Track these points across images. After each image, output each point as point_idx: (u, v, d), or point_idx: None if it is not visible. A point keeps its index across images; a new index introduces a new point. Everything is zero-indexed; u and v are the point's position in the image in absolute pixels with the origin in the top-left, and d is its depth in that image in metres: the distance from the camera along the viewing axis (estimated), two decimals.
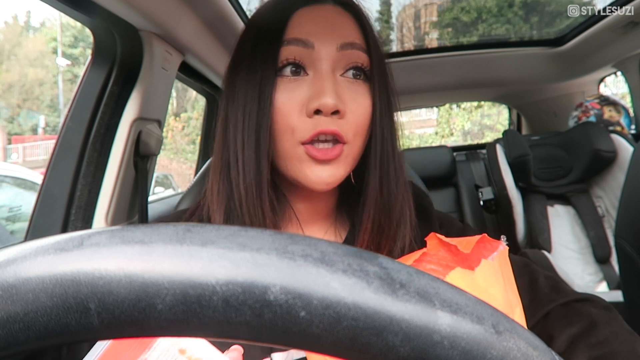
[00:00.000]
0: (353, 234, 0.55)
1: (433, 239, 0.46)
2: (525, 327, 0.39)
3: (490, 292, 0.38)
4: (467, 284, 0.38)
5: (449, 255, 0.45)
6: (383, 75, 0.51)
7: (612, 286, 1.72)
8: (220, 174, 0.50)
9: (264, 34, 0.49)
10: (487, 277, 0.39)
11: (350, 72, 0.49)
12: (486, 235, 0.45)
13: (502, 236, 0.45)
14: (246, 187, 0.48)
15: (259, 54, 0.48)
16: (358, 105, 0.49)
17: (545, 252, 1.71)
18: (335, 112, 0.47)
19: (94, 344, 0.34)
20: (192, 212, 0.55)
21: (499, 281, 0.40)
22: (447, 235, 0.54)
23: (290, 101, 0.47)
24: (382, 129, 0.50)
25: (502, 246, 0.44)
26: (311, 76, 0.48)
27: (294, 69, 0.48)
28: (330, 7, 0.51)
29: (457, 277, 0.38)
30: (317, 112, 0.47)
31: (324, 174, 0.48)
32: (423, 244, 0.53)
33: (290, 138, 0.48)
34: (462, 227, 0.61)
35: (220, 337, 0.16)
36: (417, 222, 0.55)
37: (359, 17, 0.51)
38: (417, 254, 0.45)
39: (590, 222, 1.85)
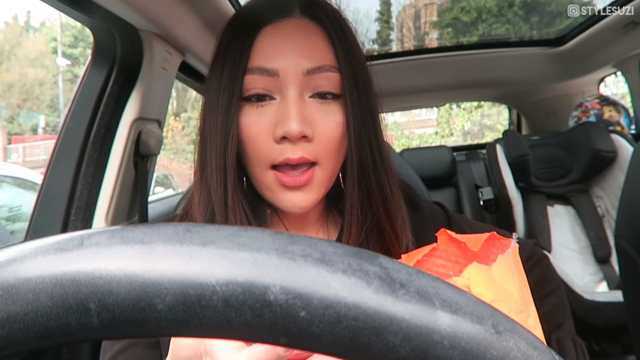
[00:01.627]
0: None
1: (443, 235, 0.46)
2: (540, 324, 0.39)
3: (507, 287, 0.38)
4: (484, 279, 0.38)
5: (459, 251, 0.45)
6: (359, 86, 0.50)
7: (612, 286, 1.72)
8: (201, 184, 0.51)
9: (230, 58, 0.48)
10: (503, 273, 0.39)
11: (318, 94, 0.48)
12: (495, 233, 0.45)
13: (513, 233, 0.46)
14: (219, 203, 0.48)
15: (226, 79, 0.48)
16: (328, 124, 0.48)
17: (545, 252, 1.71)
18: (303, 137, 0.46)
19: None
20: (180, 218, 0.55)
21: (515, 277, 0.40)
22: (438, 223, 0.55)
23: (257, 126, 0.47)
24: (359, 141, 0.49)
25: (514, 243, 0.44)
26: (278, 101, 0.48)
27: (259, 97, 0.48)
28: (297, 22, 0.49)
29: (474, 272, 0.38)
30: (284, 137, 0.46)
31: (296, 200, 0.48)
32: (418, 236, 0.54)
33: (260, 163, 0.48)
34: (448, 217, 0.61)
35: (220, 337, 0.16)
36: (409, 213, 0.55)
37: (328, 29, 0.49)
38: (426, 249, 0.45)
39: (590, 222, 1.85)
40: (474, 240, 0.43)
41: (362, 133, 0.49)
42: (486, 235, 0.44)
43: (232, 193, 0.48)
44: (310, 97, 0.48)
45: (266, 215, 0.54)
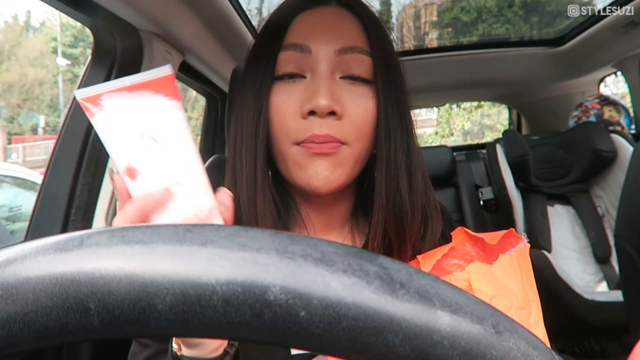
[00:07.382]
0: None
1: (460, 234, 0.47)
2: (543, 321, 0.39)
3: (508, 285, 0.39)
4: (486, 276, 0.38)
5: (475, 250, 0.45)
6: (390, 76, 0.49)
7: (612, 286, 1.72)
8: (231, 175, 0.51)
9: (265, 40, 0.50)
10: (505, 271, 0.40)
11: (349, 76, 0.48)
12: (513, 230, 0.45)
13: (523, 233, 0.46)
14: (247, 189, 0.48)
15: (260, 59, 0.49)
16: (358, 106, 0.47)
17: (545, 252, 1.71)
18: (332, 114, 0.46)
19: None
20: None
21: (517, 275, 0.40)
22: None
23: (286, 103, 0.47)
24: (389, 131, 0.48)
25: (523, 243, 0.44)
26: (308, 78, 0.48)
27: (291, 74, 0.48)
28: (333, 10, 0.50)
29: (475, 268, 0.38)
30: (312, 113, 0.46)
31: (321, 168, 0.46)
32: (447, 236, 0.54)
33: (285, 140, 0.47)
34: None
35: (220, 337, 0.16)
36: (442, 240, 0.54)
37: (362, 18, 0.50)
38: (445, 248, 0.45)
39: (590, 222, 1.85)
40: (491, 236, 0.44)
41: (390, 123, 0.48)
42: (504, 232, 0.44)
43: (261, 177, 0.48)
44: (341, 77, 0.48)
45: (292, 212, 0.53)
